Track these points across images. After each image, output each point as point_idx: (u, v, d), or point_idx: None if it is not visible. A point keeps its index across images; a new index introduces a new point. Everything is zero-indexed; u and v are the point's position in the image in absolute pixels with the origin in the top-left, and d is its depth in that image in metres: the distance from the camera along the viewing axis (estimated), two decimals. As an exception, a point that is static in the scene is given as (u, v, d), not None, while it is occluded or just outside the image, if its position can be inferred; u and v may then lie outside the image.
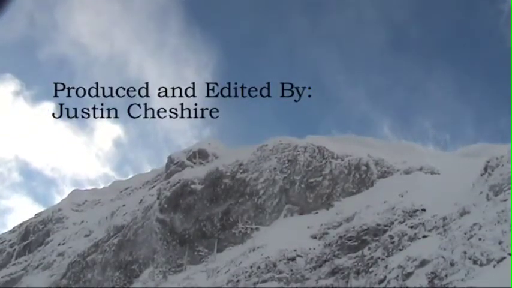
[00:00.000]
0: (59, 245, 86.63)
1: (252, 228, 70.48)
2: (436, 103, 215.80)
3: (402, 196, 64.21)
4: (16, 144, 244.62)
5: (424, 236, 54.33)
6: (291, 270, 59.04)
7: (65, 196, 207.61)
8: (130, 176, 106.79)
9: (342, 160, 76.22)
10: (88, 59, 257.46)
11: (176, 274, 68.22)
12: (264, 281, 58.42)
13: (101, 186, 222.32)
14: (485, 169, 57.55)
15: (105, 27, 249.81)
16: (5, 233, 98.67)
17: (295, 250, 61.42)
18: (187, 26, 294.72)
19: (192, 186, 75.99)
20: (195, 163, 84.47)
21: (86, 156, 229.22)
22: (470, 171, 59.88)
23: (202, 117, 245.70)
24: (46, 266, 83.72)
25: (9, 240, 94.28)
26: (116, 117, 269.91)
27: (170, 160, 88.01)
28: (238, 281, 60.01)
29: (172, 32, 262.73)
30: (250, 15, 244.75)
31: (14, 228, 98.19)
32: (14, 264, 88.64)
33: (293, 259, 60.44)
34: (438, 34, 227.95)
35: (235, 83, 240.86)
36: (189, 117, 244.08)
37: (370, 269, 53.36)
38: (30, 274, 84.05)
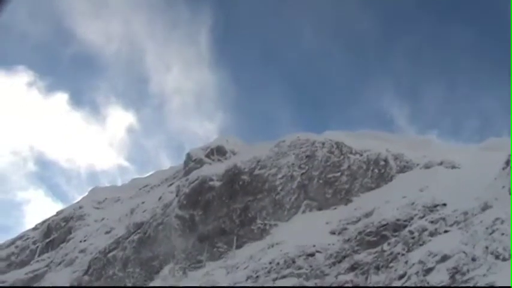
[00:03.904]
0: (80, 241, 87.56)
1: (270, 224, 70.45)
2: (454, 97, 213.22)
3: (422, 191, 63.59)
4: (31, 134, 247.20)
5: (445, 231, 53.80)
6: (310, 266, 58.92)
7: (80, 188, 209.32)
8: (149, 174, 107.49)
9: (361, 155, 75.74)
10: (102, 54, 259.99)
11: (196, 270, 68.50)
12: (283, 277, 58.41)
13: (118, 180, 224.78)
14: (507, 163, 56.66)
15: (119, 24, 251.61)
16: (28, 230, 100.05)
17: (314, 246, 61.28)
18: (205, 21, 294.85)
19: (211, 183, 76.21)
20: (213, 160, 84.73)
21: (99, 146, 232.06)
22: (492, 165, 59.04)
23: (217, 113, 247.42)
24: (68, 263, 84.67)
25: (32, 238, 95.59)
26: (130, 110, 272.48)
27: (188, 157, 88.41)
28: (257, 277, 60.08)
29: (183, 26, 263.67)
30: (261, 19, 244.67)
31: (36, 225, 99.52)
32: (37, 261, 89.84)
33: (312, 255, 60.30)
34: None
35: (250, 80, 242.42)
36: (204, 112, 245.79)
37: (390, 265, 53.01)
38: (53, 271, 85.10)
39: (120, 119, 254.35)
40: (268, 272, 59.81)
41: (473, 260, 45.50)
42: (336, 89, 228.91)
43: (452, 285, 44.57)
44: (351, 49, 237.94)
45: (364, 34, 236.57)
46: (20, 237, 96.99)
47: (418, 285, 47.33)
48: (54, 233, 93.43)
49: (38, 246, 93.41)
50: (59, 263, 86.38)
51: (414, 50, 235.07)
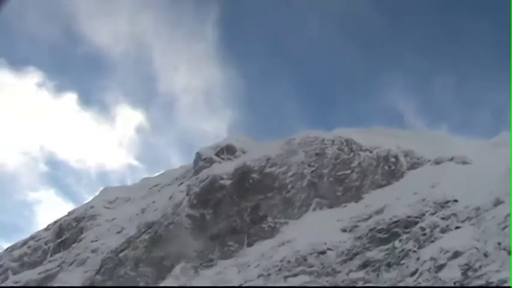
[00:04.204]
0: (92, 241, 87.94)
1: (281, 223, 70.45)
2: (465, 90, 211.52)
3: (433, 187, 63.35)
4: (41, 135, 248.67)
5: (457, 227, 53.62)
6: (322, 264, 58.91)
7: (90, 188, 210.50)
8: (160, 173, 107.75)
9: (371, 152, 75.56)
10: (111, 54, 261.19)
11: (207, 269, 68.64)
12: (295, 275, 58.45)
13: (128, 179, 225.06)
14: (519, 158, 56.37)
15: (126, 23, 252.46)
16: (40, 230, 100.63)
17: (325, 243, 61.24)
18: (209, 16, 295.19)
19: (221, 181, 76.31)
20: (223, 159, 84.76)
21: (109, 145, 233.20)
22: (503, 161, 58.70)
23: (226, 110, 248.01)
24: (80, 263, 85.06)
25: (44, 238, 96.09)
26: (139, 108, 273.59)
27: (198, 156, 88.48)
28: (269, 275, 60.15)
29: (189, 23, 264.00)
30: (268, 13, 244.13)
31: (48, 226, 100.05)
32: (49, 261, 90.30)
33: (323, 252, 60.29)
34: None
35: (258, 76, 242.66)
36: (213, 110, 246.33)
37: (402, 261, 52.89)
38: (65, 270, 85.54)
39: (130, 118, 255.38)
40: (280, 270, 59.86)
41: (486, 256, 45.33)
42: (345, 84, 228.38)
43: (457, 285, 44.35)
44: (360, 44, 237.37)
45: (374, 28, 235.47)
46: (32, 238, 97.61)
47: (431, 281, 47.20)
48: (66, 233, 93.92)
49: (50, 247, 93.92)
50: (71, 263, 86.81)
51: (424, 43, 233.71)
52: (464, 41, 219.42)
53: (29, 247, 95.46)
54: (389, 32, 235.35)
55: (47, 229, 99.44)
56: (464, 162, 69.98)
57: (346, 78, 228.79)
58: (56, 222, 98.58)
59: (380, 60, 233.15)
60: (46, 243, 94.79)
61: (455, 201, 58.35)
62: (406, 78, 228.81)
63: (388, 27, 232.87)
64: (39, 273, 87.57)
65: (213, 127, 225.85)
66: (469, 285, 44.36)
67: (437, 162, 71.40)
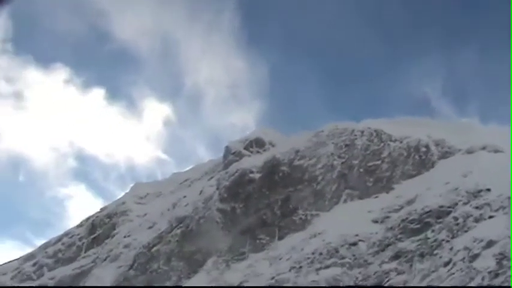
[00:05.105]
0: (124, 237, 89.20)
1: (312, 215, 70.49)
2: (492, 73, 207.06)
3: (465, 176, 62.64)
4: (69, 130, 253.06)
5: (490, 217, 53.02)
6: (353, 255, 58.81)
7: (120, 182, 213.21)
8: (189, 168, 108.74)
9: (401, 142, 75.02)
10: (137, 48, 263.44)
11: (239, 262, 69.12)
12: (327, 267, 58.48)
13: (157, 173, 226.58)
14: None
15: (151, 18, 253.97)
16: (73, 227, 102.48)
17: (356, 235, 61.10)
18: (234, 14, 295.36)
19: (250, 175, 76.68)
20: (252, 152, 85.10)
21: (137, 139, 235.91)
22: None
23: (253, 101, 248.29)
24: (114, 258, 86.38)
25: (78, 234, 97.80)
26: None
27: (227, 150, 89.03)
28: (300, 267, 60.32)
29: (211, 15, 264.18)
30: (289, 5, 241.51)
31: (81, 222, 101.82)
32: (83, 257, 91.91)
33: (355, 244, 60.17)
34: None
35: (281, 68, 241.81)
36: (238, 102, 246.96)
37: (435, 252, 52.49)
38: (99, 266, 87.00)
39: (157, 112, 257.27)
40: (311, 262, 59.98)
41: (521, 245, 44.74)
42: (369, 74, 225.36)
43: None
44: (383, 31, 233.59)
45: (395, 17, 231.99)
46: (65, 234, 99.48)
47: (464, 271, 46.79)
48: (99, 229, 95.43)
49: (83, 243, 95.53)
50: (105, 259, 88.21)
51: (447, 28, 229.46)
52: (489, 19, 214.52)
53: (63, 244, 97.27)
54: (413, 20, 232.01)
55: (79, 225, 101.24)
56: (496, 151, 69.03)
57: (369, 68, 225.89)
58: (88, 218, 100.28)
59: (400, 45, 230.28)
60: (80, 240, 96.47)
61: (488, 190, 57.65)
62: (428, 61, 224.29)
63: (412, 16, 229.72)
64: (73, 269, 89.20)
65: (239, 119, 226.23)
66: (504, 274, 43.83)
67: (469, 151, 70.55)
